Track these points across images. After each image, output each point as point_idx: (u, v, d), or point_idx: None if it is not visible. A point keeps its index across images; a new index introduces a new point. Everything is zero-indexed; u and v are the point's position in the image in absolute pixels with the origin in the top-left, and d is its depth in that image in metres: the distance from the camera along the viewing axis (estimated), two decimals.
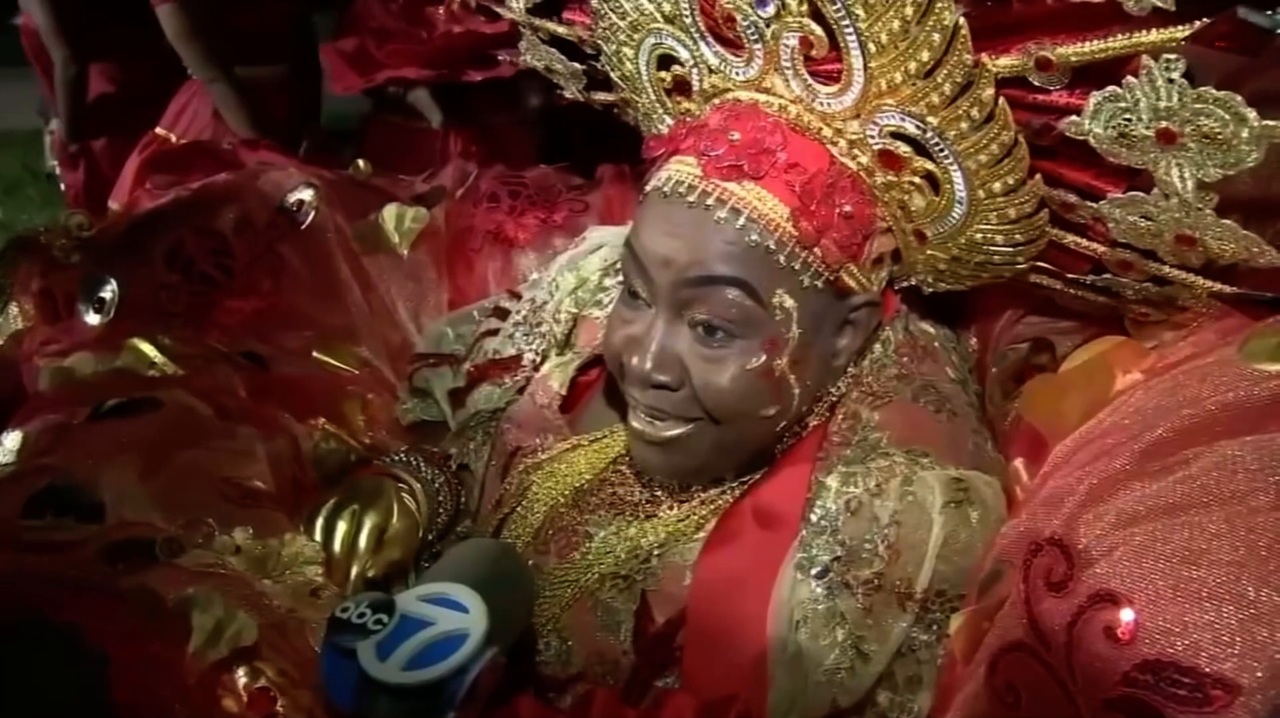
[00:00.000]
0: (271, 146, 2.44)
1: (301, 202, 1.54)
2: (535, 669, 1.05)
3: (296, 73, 2.89)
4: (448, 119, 2.76)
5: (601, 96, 1.28)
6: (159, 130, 2.86)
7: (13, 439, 1.12)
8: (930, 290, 1.10)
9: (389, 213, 1.57)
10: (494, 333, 1.34)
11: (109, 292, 1.37)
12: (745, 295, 0.93)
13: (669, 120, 1.13)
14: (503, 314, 1.36)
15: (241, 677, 0.86)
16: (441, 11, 2.61)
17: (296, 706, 0.86)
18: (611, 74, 1.17)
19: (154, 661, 0.81)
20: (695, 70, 1.05)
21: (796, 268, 0.94)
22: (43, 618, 0.79)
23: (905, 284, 1.10)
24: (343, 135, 3.34)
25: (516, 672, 0.83)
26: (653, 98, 1.13)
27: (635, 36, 1.07)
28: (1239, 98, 0.75)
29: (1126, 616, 0.68)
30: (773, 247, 0.92)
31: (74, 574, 0.89)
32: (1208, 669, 0.63)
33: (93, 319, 1.36)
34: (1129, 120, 0.81)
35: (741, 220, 0.92)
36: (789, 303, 0.94)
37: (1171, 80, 0.77)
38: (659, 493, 1.08)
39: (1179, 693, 0.64)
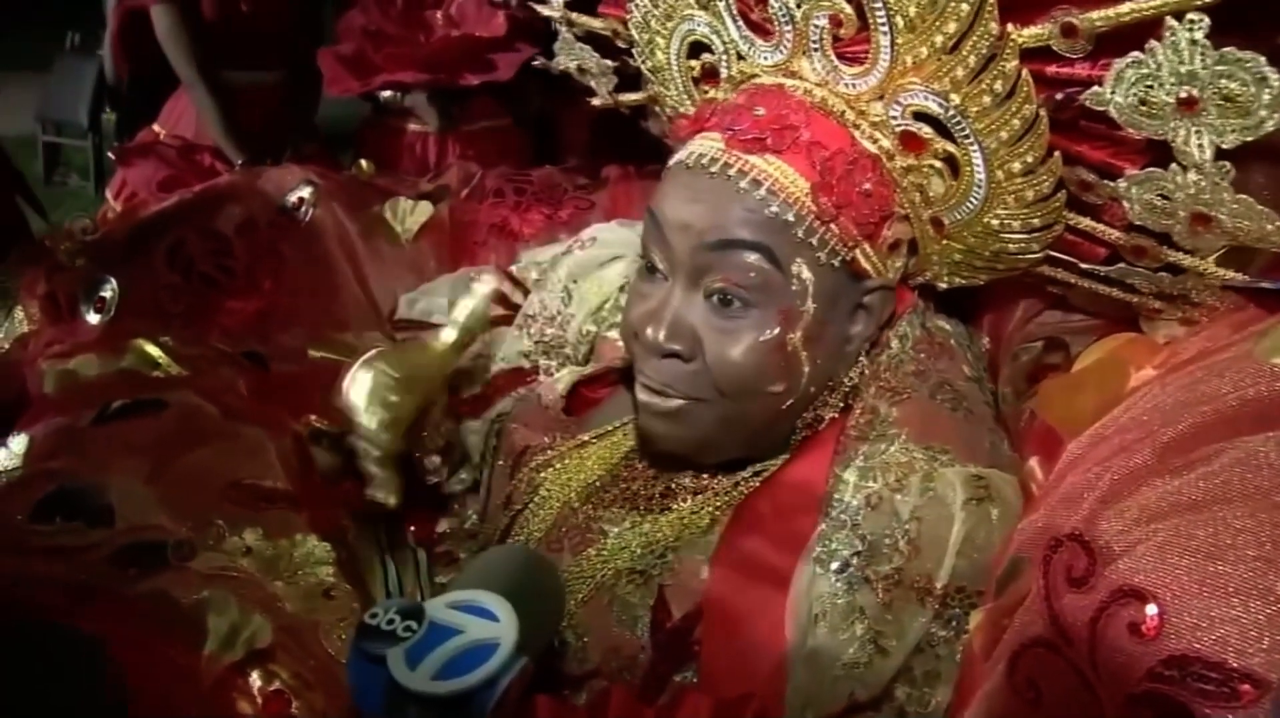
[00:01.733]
0: (216, 154, 2.48)
1: (302, 199, 1.54)
2: (552, 667, 1.05)
3: (298, 77, 2.89)
4: (445, 123, 2.76)
5: (629, 97, 1.30)
6: (155, 127, 2.87)
7: (18, 443, 1.11)
8: (944, 286, 1.10)
9: (392, 206, 1.58)
10: (502, 321, 1.34)
11: (109, 291, 1.37)
12: (765, 259, 0.94)
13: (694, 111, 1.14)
14: (503, 301, 1.36)
15: (256, 680, 0.86)
16: (439, 15, 2.61)
17: (311, 708, 0.86)
18: (642, 66, 1.19)
19: (169, 664, 0.81)
20: (725, 57, 1.07)
21: (814, 243, 0.95)
22: (58, 623, 0.78)
23: (920, 281, 1.10)
24: (340, 139, 3.34)
25: (539, 674, 0.82)
26: (681, 88, 1.16)
27: (668, 25, 1.11)
28: (1261, 58, 0.75)
29: (1151, 611, 0.67)
30: (792, 219, 0.94)
31: (86, 579, 0.88)
32: (1235, 664, 0.62)
33: (93, 319, 1.36)
34: (1151, 86, 0.81)
35: (762, 192, 0.94)
36: (806, 274, 0.95)
37: (1194, 41, 0.77)
38: (673, 487, 1.08)
39: (1206, 688, 0.63)
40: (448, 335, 1.21)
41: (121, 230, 1.48)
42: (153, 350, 1.28)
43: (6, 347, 1.37)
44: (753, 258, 0.94)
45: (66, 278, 1.40)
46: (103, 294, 1.38)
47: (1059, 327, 1.10)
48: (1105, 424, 0.89)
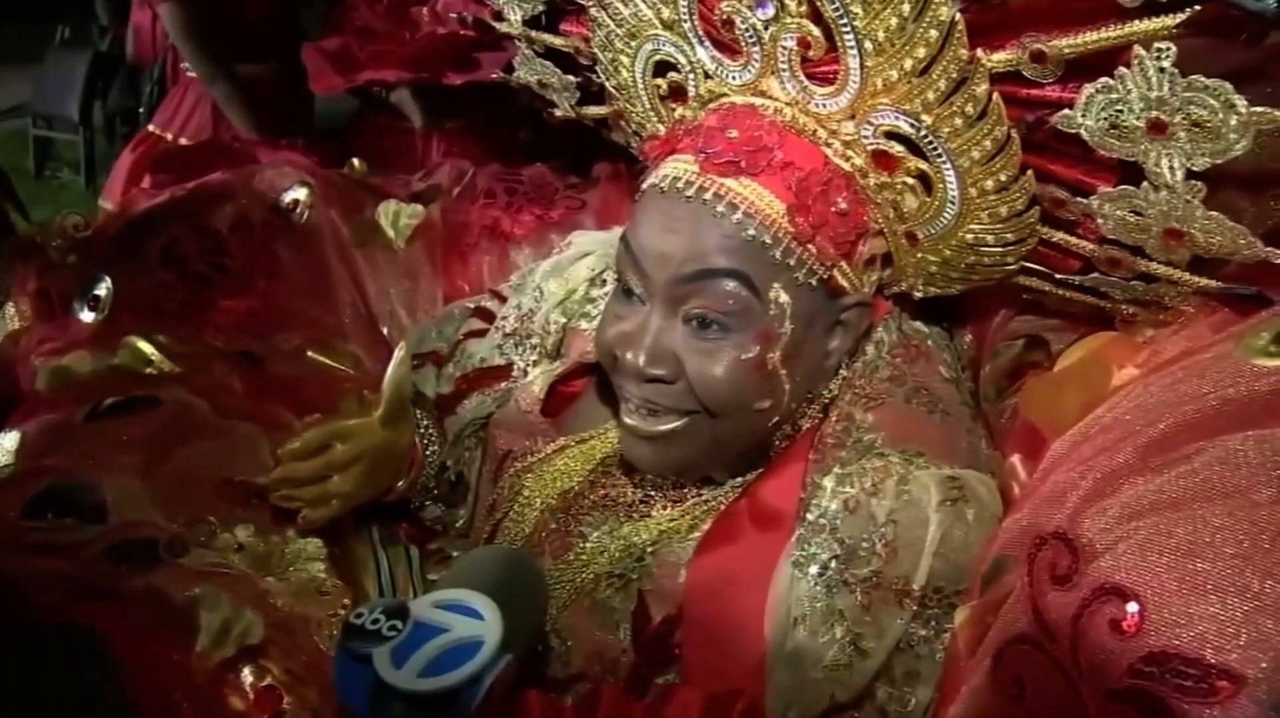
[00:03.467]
0: (292, 146, 2.44)
1: (297, 201, 1.54)
2: (536, 670, 1.06)
3: (290, 70, 2.88)
4: (433, 119, 2.75)
5: (592, 111, 1.28)
6: (152, 129, 2.84)
7: (11, 439, 1.11)
8: (920, 296, 1.10)
9: (385, 209, 1.58)
10: (477, 334, 1.34)
11: (103, 289, 1.38)
12: (742, 287, 0.94)
13: (662, 129, 1.14)
14: (485, 315, 1.36)
15: (248, 675, 0.86)
16: (425, 12, 2.60)
17: (302, 703, 0.87)
18: (606, 83, 1.17)
19: (162, 660, 0.82)
20: (691, 76, 1.06)
21: (791, 264, 0.95)
22: (54, 620, 0.78)
23: (895, 290, 1.11)
24: (330, 134, 3.33)
25: (523, 670, 0.83)
26: (647, 106, 1.14)
27: (632, 44, 1.08)
28: (1229, 85, 0.76)
29: (1132, 608, 0.68)
30: (769, 241, 0.93)
31: (79, 576, 0.89)
32: (1213, 661, 0.63)
33: (87, 316, 1.36)
34: (1120, 111, 0.82)
35: (739, 215, 0.93)
36: (784, 298, 0.95)
37: (1163, 69, 0.78)
38: (652, 493, 1.09)
39: (1185, 684, 0.64)
40: (379, 410, 1.18)
41: (114, 228, 1.48)
42: (146, 348, 1.28)
43: None
44: (730, 285, 0.94)
45: (59, 275, 1.40)
46: (97, 292, 1.38)
47: (1040, 324, 1.11)
48: (1088, 424, 0.89)
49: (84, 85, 5.48)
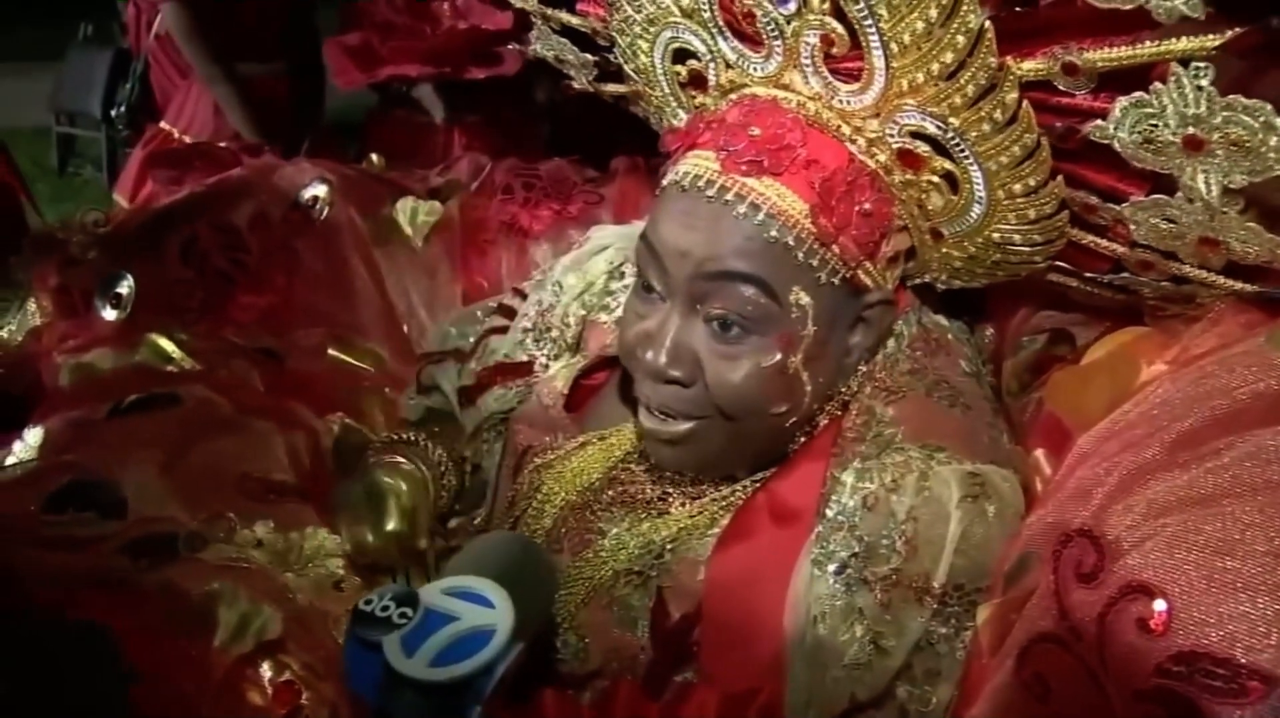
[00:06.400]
0: (273, 152, 2.45)
1: (316, 197, 1.54)
2: (553, 667, 1.05)
3: (297, 69, 2.88)
4: (454, 114, 2.76)
5: (612, 88, 1.27)
6: (163, 125, 2.87)
7: (33, 435, 1.12)
8: (944, 288, 1.09)
9: (403, 206, 1.58)
10: (499, 330, 1.34)
11: (125, 287, 1.38)
12: (761, 293, 0.93)
13: (683, 114, 1.12)
14: (508, 312, 1.35)
15: (266, 671, 0.86)
16: (446, 7, 2.61)
17: (321, 698, 0.87)
18: (625, 66, 1.16)
19: (178, 656, 0.82)
20: (712, 65, 1.04)
21: (814, 264, 0.93)
22: (66, 615, 0.79)
23: (918, 282, 1.09)
24: (348, 129, 3.34)
25: (534, 663, 0.82)
26: (667, 91, 1.13)
27: (651, 30, 1.07)
28: (1269, 106, 0.74)
29: (1159, 606, 0.67)
30: (791, 243, 0.92)
31: (97, 571, 0.89)
32: (1244, 661, 0.62)
33: (109, 315, 1.37)
34: (1155, 126, 0.80)
35: (760, 216, 0.92)
36: (805, 299, 0.94)
37: (1200, 88, 0.76)
38: (670, 490, 1.08)
39: (1214, 685, 0.63)
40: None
41: (133, 224, 1.49)
42: (166, 345, 1.29)
43: (19, 339, 1.38)
44: (749, 291, 0.93)
45: (80, 272, 1.41)
46: (119, 290, 1.39)
47: (1065, 318, 1.09)
48: (1115, 419, 0.88)
49: (106, 82, 5.51)
